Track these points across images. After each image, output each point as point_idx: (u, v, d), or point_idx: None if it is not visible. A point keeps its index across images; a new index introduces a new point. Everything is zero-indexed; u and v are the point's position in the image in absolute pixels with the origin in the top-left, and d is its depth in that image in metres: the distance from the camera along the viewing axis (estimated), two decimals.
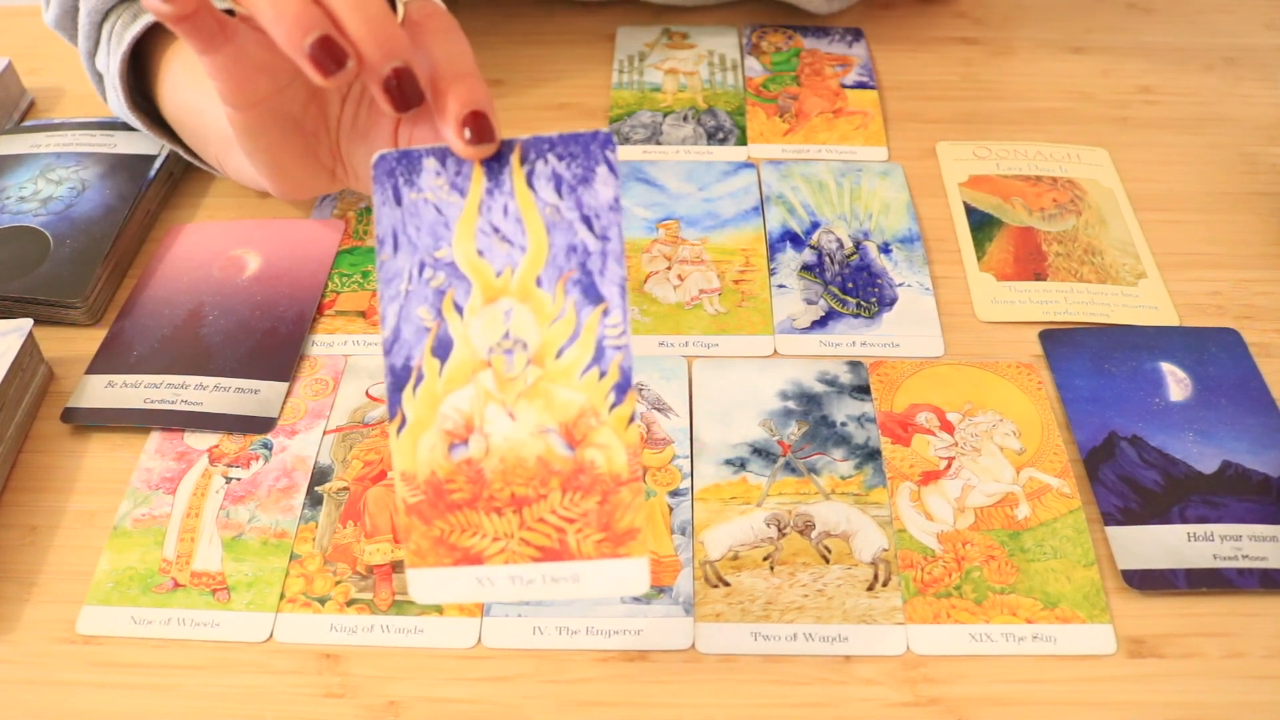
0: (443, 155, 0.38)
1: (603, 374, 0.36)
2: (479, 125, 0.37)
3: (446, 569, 0.37)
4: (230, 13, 0.42)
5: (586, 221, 0.37)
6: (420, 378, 0.37)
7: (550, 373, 0.36)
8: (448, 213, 0.37)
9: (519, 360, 0.37)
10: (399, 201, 0.38)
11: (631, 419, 0.36)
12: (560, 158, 0.37)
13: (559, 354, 0.36)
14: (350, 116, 0.46)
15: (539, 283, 0.37)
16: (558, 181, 0.37)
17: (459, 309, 0.37)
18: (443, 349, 0.37)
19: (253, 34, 0.41)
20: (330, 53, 0.37)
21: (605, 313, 0.36)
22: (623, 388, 0.36)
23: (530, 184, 0.37)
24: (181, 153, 0.62)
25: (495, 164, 0.38)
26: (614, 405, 0.36)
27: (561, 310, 0.37)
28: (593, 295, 0.36)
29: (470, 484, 0.36)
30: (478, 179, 0.38)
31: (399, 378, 0.37)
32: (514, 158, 0.38)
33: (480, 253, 0.37)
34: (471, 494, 0.36)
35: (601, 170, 0.37)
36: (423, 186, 0.38)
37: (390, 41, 0.37)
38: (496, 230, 0.37)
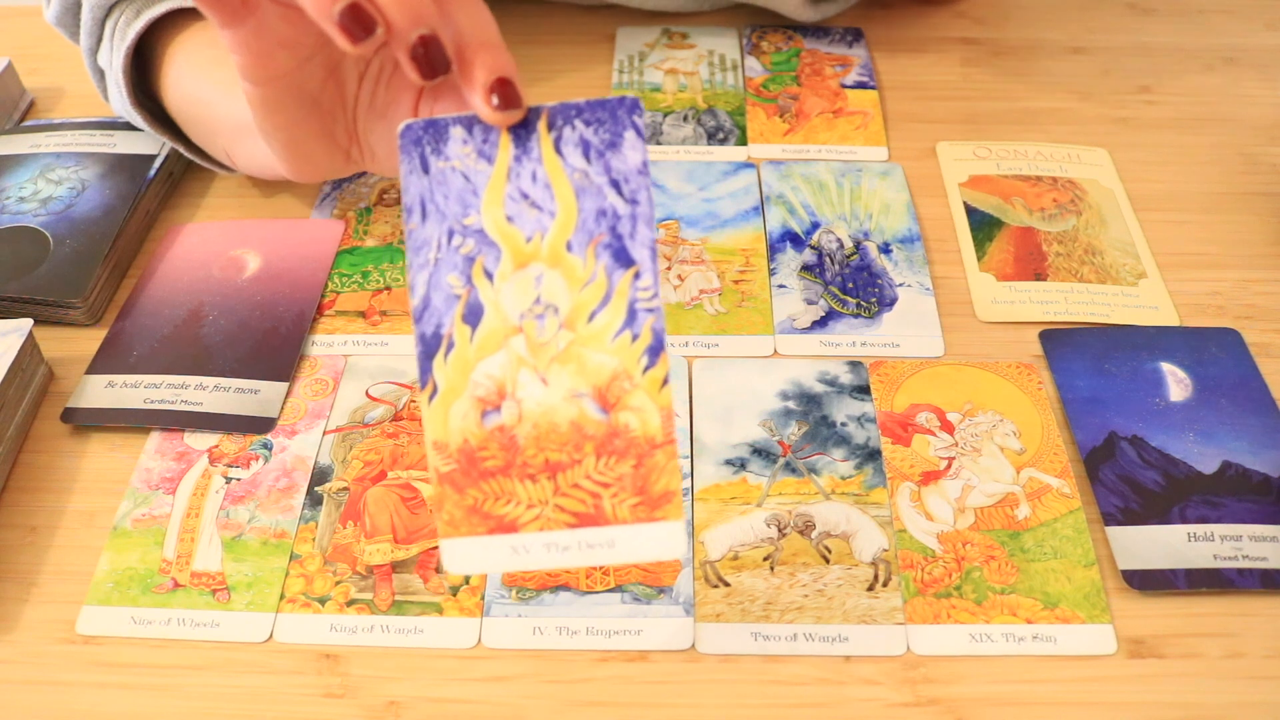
0: (469, 123, 0.38)
1: (635, 337, 0.36)
2: (506, 92, 0.37)
3: (480, 538, 0.36)
4: None
5: (615, 186, 0.37)
6: (451, 345, 0.36)
7: (582, 337, 0.36)
8: (476, 180, 0.37)
9: (551, 325, 0.36)
10: (426, 170, 0.38)
11: (665, 381, 0.36)
12: (588, 123, 0.37)
13: (591, 318, 0.36)
14: (368, 95, 0.46)
15: (569, 247, 0.37)
16: (585, 147, 0.37)
17: (489, 275, 0.37)
18: (473, 315, 0.37)
19: (274, 7, 0.41)
20: (359, 19, 0.37)
21: (636, 275, 0.36)
22: (655, 350, 0.36)
23: (558, 150, 0.37)
24: (182, 149, 0.62)
25: (522, 131, 0.38)
26: (647, 368, 0.36)
27: (593, 274, 0.36)
28: (623, 259, 0.36)
29: (503, 451, 0.36)
30: (505, 146, 0.38)
31: (429, 346, 0.36)
32: (541, 124, 0.38)
33: (510, 219, 0.37)
34: (505, 461, 0.36)
35: (629, 135, 0.37)
36: (450, 155, 0.38)
37: (417, 9, 0.37)
38: (525, 196, 0.37)
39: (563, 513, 0.36)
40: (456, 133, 0.38)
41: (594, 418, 0.36)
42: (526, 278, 0.37)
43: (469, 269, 0.37)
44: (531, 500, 0.36)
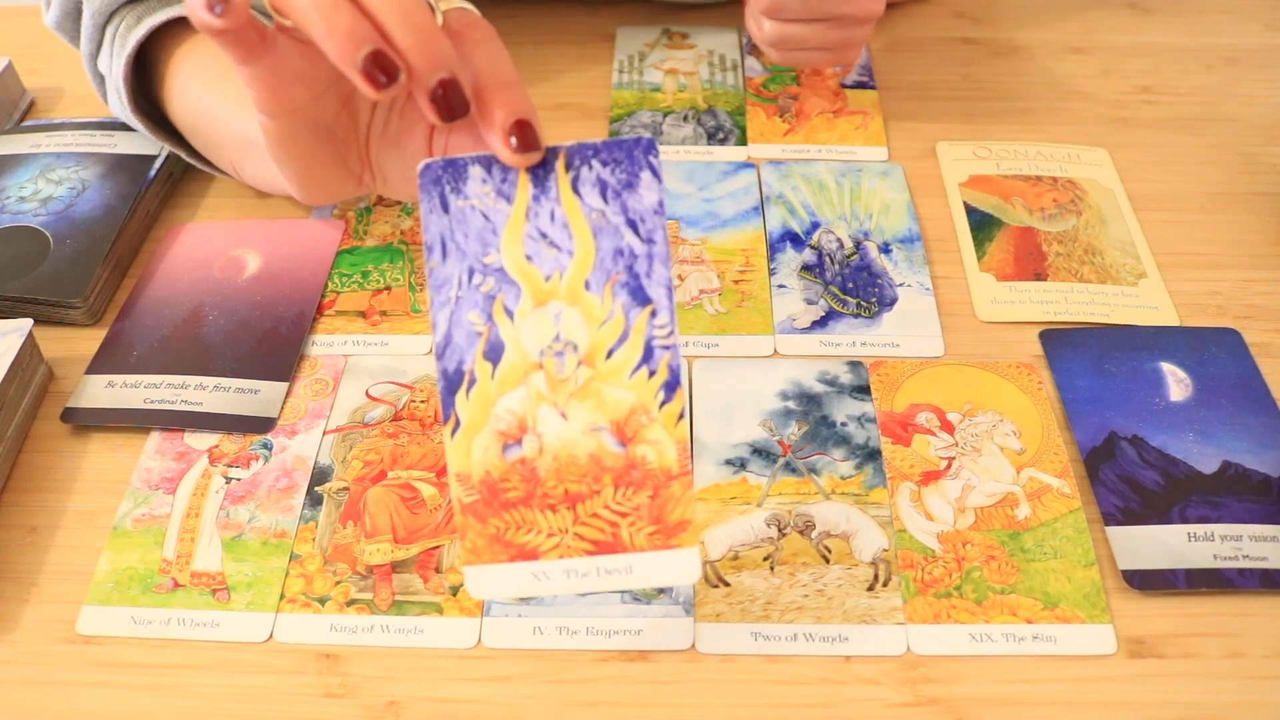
0: (488, 163, 0.38)
1: (652, 373, 0.37)
2: (525, 134, 0.38)
3: (502, 565, 0.38)
4: (266, 15, 0.42)
5: (632, 225, 0.38)
6: (473, 381, 0.38)
7: (601, 373, 0.38)
8: (495, 219, 0.38)
9: (570, 361, 0.38)
10: (446, 209, 0.38)
11: (681, 415, 0.37)
12: (604, 164, 0.38)
13: (609, 354, 0.38)
14: (381, 123, 0.46)
15: (587, 286, 0.38)
16: (603, 187, 0.38)
17: (509, 313, 0.38)
18: (494, 352, 0.38)
19: (291, 44, 0.41)
20: (382, 67, 0.37)
21: (653, 314, 0.37)
22: (672, 385, 0.37)
23: (576, 190, 0.38)
24: (184, 155, 0.62)
25: (541, 171, 0.38)
26: (664, 403, 0.37)
27: (610, 312, 0.38)
28: (640, 297, 0.38)
29: (524, 482, 0.38)
30: (524, 186, 0.38)
31: (452, 381, 0.38)
32: (559, 164, 0.38)
33: (529, 258, 0.38)
34: (526, 492, 0.38)
35: (645, 175, 0.38)
36: (469, 194, 0.38)
37: (437, 53, 0.38)
38: (544, 236, 0.38)
39: (582, 541, 0.38)
40: (475, 172, 0.38)
41: (612, 451, 0.37)
42: (546, 315, 0.38)
43: (489, 307, 0.38)
44: (552, 529, 0.38)
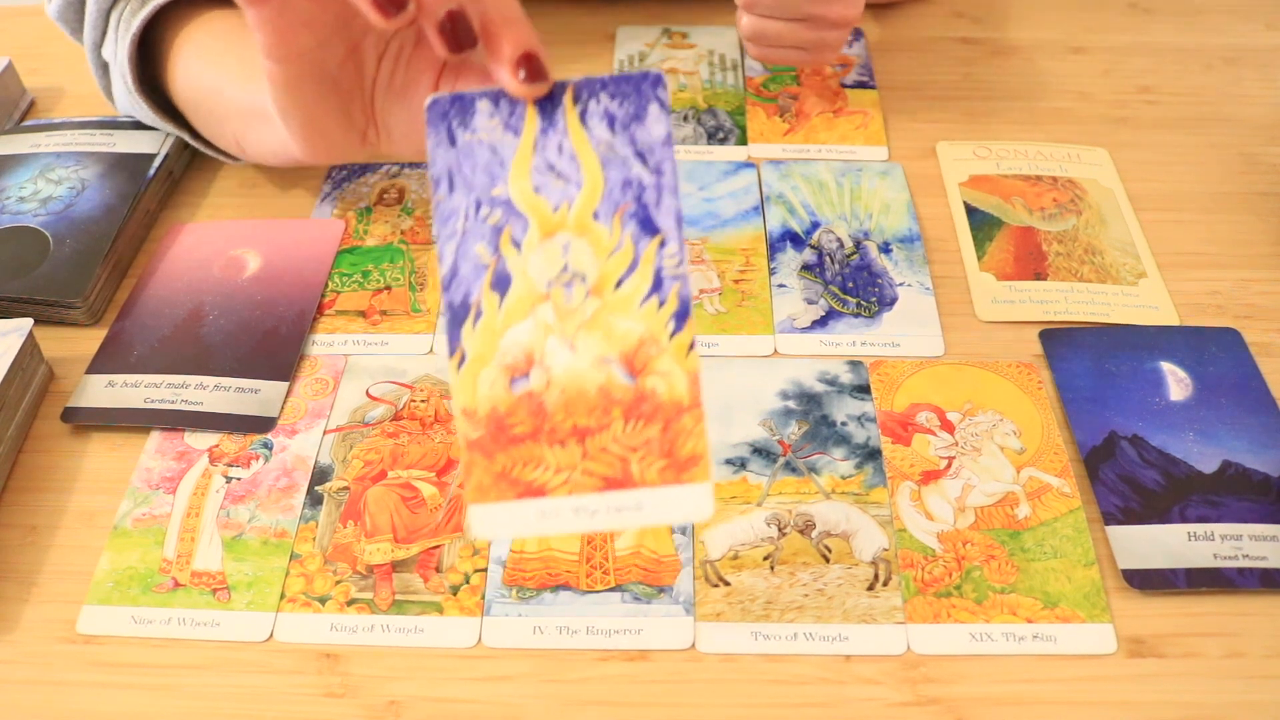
0: (496, 97, 0.39)
1: (661, 303, 0.37)
2: (533, 66, 0.38)
3: (509, 503, 0.36)
4: None
5: (640, 157, 0.38)
6: (479, 313, 0.37)
7: (609, 303, 0.37)
8: (503, 152, 0.38)
9: (578, 292, 0.37)
10: (453, 142, 0.38)
11: (691, 346, 0.36)
12: (613, 96, 0.38)
13: (618, 285, 0.37)
14: (387, 75, 0.47)
15: (596, 216, 0.37)
16: (610, 119, 0.38)
17: (516, 245, 0.37)
18: (501, 284, 0.37)
19: None
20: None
21: (662, 244, 0.37)
22: (681, 316, 0.36)
23: (584, 122, 0.38)
24: (187, 137, 0.62)
25: (548, 104, 0.38)
26: (674, 333, 0.36)
27: (619, 242, 0.37)
28: (649, 227, 0.37)
29: (532, 417, 0.36)
30: (531, 119, 0.38)
31: (457, 314, 0.37)
32: (566, 98, 0.38)
33: (536, 189, 0.38)
34: (533, 427, 0.36)
35: (653, 108, 0.38)
36: (477, 128, 0.38)
37: None
38: (552, 167, 0.38)
39: (591, 477, 0.36)
40: (483, 106, 0.39)
41: (621, 383, 0.36)
42: (554, 246, 0.37)
43: (496, 239, 0.37)
44: (560, 465, 0.36)
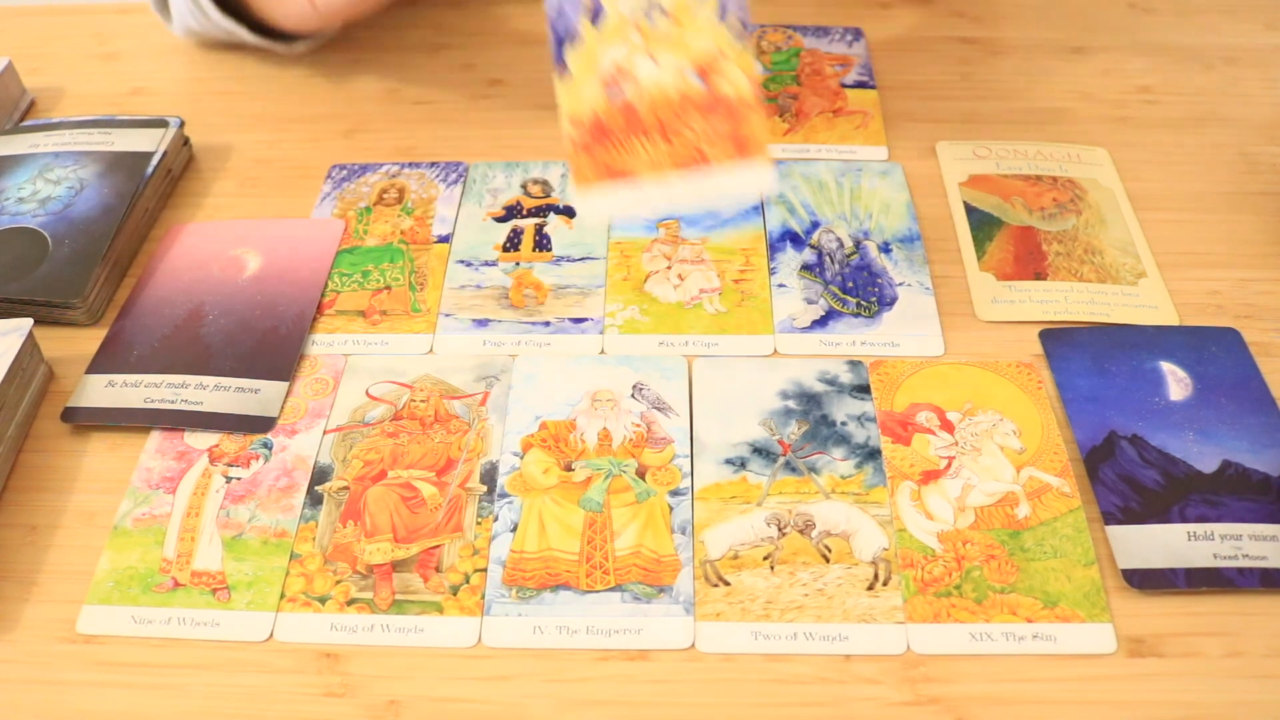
0: None
1: (724, 19, 0.46)
2: None
3: (608, 184, 0.46)
4: None
5: None
6: (580, 39, 0.46)
7: (686, 26, 0.46)
8: None
9: (660, 21, 0.46)
10: None
11: (748, 52, 0.46)
12: None
13: (692, 11, 0.46)
14: None
15: None
16: None
17: None
18: (596, 16, 0.46)
19: None
20: None
21: (744, 29, 0.45)
22: (743, 29, 0.46)
23: None
24: (245, 33, 0.66)
25: None
26: (737, 40, 0.46)
27: None
28: None
29: (624, 117, 0.46)
30: None
31: (561, 39, 0.46)
32: None
33: None
34: (626, 124, 0.46)
35: None
36: None
37: None
38: None
39: (673, 161, 0.46)
40: None
41: (697, 87, 0.46)
42: None
43: None
44: (647, 154, 0.46)
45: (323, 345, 0.56)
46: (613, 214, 0.50)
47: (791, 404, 0.53)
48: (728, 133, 0.45)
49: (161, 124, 0.65)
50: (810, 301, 0.58)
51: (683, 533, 0.48)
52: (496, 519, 0.48)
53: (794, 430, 0.52)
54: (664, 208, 0.48)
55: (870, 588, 0.46)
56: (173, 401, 0.53)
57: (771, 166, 0.46)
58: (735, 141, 0.45)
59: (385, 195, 0.64)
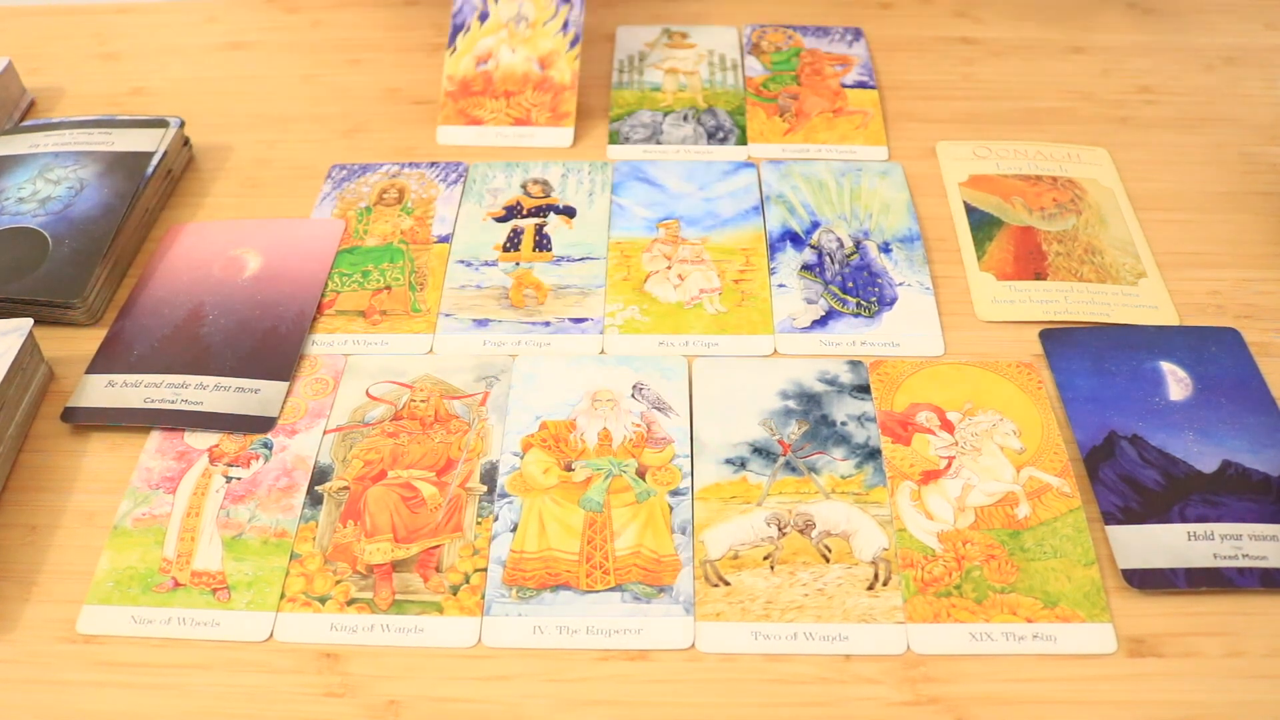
0: None
1: (564, 33, 0.69)
2: None
3: (463, 127, 0.67)
4: None
5: None
6: (468, 29, 0.69)
7: (538, 32, 0.69)
8: None
9: (523, 25, 0.69)
10: None
11: (576, 57, 0.68)
12: None
13: (545, 24, 0.69)
14: None
15: None
16: None
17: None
18: (483, 17, 0.69)
19: None
20: None
21: (571, 5, 0.69)
22: (574, 42, 0.68)
23: None
24: None
25: None
26: (569, 48, 0.68)
27: (551, 4, 0.69)
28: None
29: (483, 82, 0.68)
30: None
31: (458, 27, 0.69)
32: None
33: None
34: (483, 88, 0.68)
35: None
36: None
37: None
38: None
39: (509, 118, 0.67)
40: None
41: (536, 72, 0.68)
42: (511, 4, 0.70)
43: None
44: (494, 110, 0.68)
45: (323, 345, 0.56)
46: (460, 142, 0.66)
47: (791, 404, 0.53)
48: (549, 104, 0.67)
49: (161, 124, 0.65)
50: (810, 301, 0.58)
51: (683, 533, 0.48)
52: (496, 519, 0.48)
53: (794, 430, 0.52)
54: (490, 143, 0.65)
55: (870, 588, 0.46)
56: (173, 401, 0.53)
57: (571, 130, 0.66)
58: (552, 111, 0.67)
59: (385, 195, 0.64)
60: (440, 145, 0.67)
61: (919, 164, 0.66)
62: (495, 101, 0.66)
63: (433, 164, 0.66)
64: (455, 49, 0.67)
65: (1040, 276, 0.59)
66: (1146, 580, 0.46)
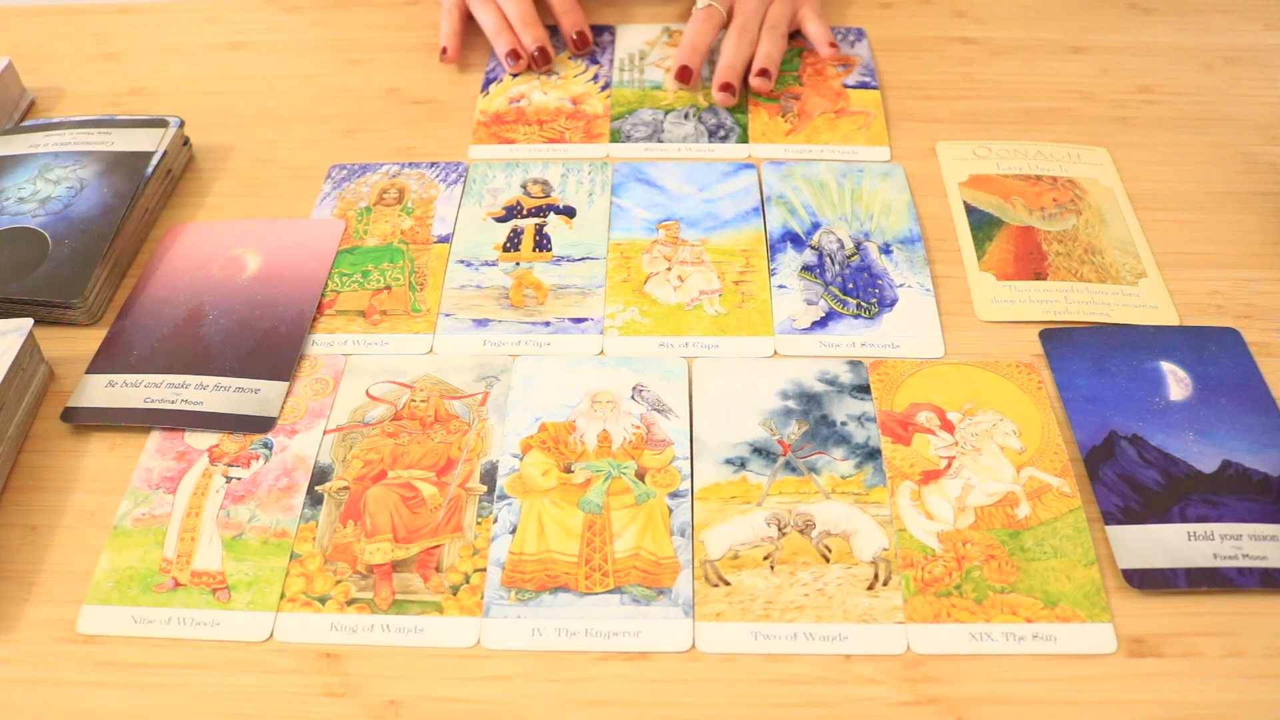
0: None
1: (595, 78, 0.73)
2: (581, 40, 0.74)
3: (497, 146, 0.68)
4: None
5: None
6: (500, 80, 0.73)
7: (568, 79, 0.73)
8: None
9: (555, 78, 0.73)
10: None
11: (608, 96, 0.72)
12: None
13: (576, 76, 0.73)
14: None
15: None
16: None
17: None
18: (515, 75, 0.74)
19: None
20: (516, 57, 0.73)
21: (601, 65, 0.74)
22: (605, 87, 0.72)
23: None
24: None
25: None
26: (601, 89, 0.72)
27: (583, 65, 0.75)
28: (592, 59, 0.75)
29: (516, 114, 0.70)
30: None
31: (490, 79, 0.73)
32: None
33: None
34: (516, 118, 0.70)
35: None
36: None
37: (540, 36, 0.73)
38: None
39: (542, 140, 0.69)
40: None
41: (568, 107, 0.71)
42: None
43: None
44: (527, 134, 0.69)
45: (323, 345, 0.56)
46: (491, 159, 0.67)
47: (791, 404, 0.53)
48: (582, 129, 0.69)
49: (161, 124, 0.65)
50: (810, 302, 0.58)
51: (682, 535, 0.48)
52: (496, 520, 0.48)
53: (794, 430, 0.52)
54: (532, 158, 0.67)
55: (870, 588, 0.46)
56: (173, 401, 0.53)
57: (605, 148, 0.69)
58: (586, 134, 0.69)
59: (385, 195, 0.64)
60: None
61: (919, 164, 0.66)
62: (528, 127, 0.69)
63: (432, 164, 0.66)
64: (488, 93, 0.72)
65: (1040, 276, 0.59)
66: (1146, 580, 0.46)
